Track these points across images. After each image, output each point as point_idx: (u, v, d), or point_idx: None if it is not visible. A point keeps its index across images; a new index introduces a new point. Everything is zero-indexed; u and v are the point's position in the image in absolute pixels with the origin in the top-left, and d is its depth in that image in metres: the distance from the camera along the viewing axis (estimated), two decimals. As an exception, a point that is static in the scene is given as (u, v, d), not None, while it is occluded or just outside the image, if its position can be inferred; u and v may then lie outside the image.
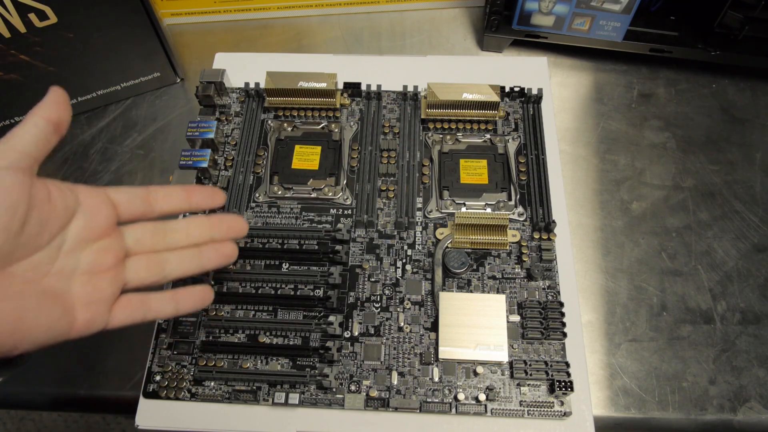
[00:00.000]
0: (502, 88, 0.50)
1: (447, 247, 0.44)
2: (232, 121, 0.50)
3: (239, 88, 0.52)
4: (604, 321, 0.46)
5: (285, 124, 0.50)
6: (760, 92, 0.58)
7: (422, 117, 0.49)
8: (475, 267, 0.43)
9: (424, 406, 0.38)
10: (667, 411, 0.43)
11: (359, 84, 0.51)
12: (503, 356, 0.39)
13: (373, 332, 0.41)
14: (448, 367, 0.40)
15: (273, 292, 0.42)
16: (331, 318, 0.40)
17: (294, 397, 0.39)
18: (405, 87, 0.51)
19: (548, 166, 0.47)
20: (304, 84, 0.48)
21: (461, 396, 0.38)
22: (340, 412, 0.39)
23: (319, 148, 0.48)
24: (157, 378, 0.40)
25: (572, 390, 0.37)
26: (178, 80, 0.61)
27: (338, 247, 0.42)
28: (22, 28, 0.50)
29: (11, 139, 0.28)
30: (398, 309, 0.42)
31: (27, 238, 0.27)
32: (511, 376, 0.39)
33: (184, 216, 0.43)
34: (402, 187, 0.46)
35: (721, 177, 0.53)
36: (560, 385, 0.37)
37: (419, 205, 0.46)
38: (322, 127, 0.50)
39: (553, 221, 0.44)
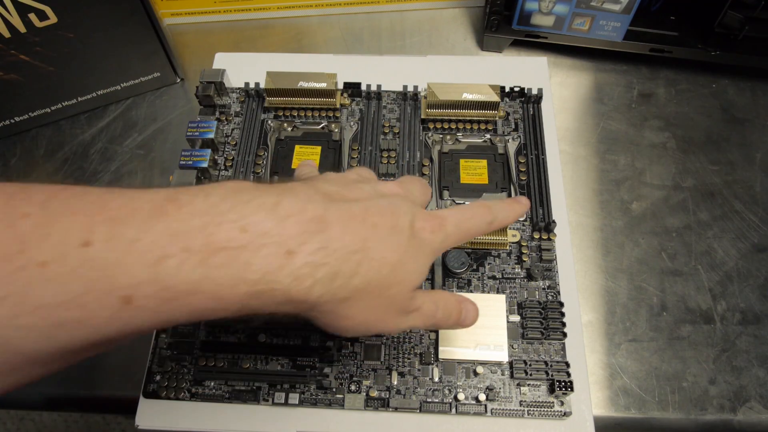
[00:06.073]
0: (502, 88, 0.50)
1: (447, 247, 0.44)
2: (232, 121, 0.50)
3: (239, 88, 0.52)
4: (604, 321, 0.46)
5: (285, 124, 0.50)
6: (760, 92, 0.58)
7: (422, 117, 0.49)
8: (475, 267, 0.43)
9: (424, 406, 0.38)
10: (667, 411, 0.43)
11: (359, 84, 0.51)
12: (503, 356, 0.39)
13: (373, 332, 0.41)
14: (448, 367, 0.39)
15: (273, 292, 0.42)
16: (331, 318, 0.40)
17: (294, 397, 0.39)
18: (405, 87, 0.51)
19: (548, 166, 0.47)
20: (304, 84, 0.48)
21: (461, 396, 0.38)
22: (340, 412, 0.39)
23: (319, 148, 0.48)
24: (157, 378, 0.40)
25: (572, 390, 0.37)
26: (178, 80, 0.61)
27: (338, 247, 0.42)
28: (22, 28, 0.50)
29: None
30: (398, 309, 0.41)
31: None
32: (511, 376, 0.39)
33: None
34: (402, 187, 0.46)
35: (721, 177, 0.53)
36: (560, 385, 0.37)
37: (419, 205, 0.46)
38: (322, 127, 0.50)
39: (553, 221, 0.44)
